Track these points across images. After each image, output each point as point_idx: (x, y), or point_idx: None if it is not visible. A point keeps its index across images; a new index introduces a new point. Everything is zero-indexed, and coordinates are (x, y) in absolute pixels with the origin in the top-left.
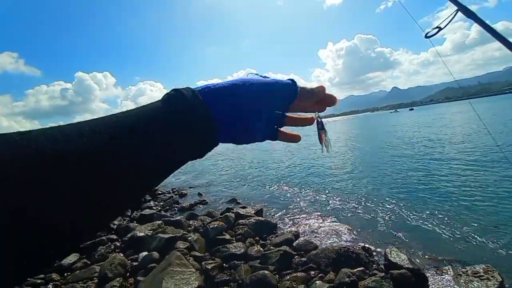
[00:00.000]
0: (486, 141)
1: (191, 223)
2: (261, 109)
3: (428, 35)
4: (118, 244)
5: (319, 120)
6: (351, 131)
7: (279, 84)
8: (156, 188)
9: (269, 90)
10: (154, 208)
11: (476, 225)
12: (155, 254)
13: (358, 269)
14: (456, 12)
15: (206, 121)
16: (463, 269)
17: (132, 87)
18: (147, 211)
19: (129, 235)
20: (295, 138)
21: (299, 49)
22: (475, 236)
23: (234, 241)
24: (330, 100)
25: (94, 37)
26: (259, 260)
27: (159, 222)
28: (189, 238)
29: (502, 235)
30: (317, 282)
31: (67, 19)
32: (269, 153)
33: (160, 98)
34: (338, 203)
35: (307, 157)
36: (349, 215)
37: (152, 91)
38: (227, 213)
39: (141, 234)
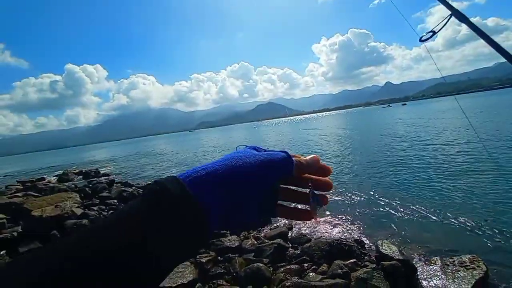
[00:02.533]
0: (473, 135)
1: None
2: (257, 190)
3: (423, 39)
4: None
5: (312, 190)
6: (344, 126)
7: (274, 160)
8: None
9: (264, 170)
10: None
11: (464, 216)
12: None
13: (351, 261)
14: (450, 16)
15: (198, 223)
16: (450, 259)
17: (124, 80)
18: None
19: None
20: (302, 216)
21: (293, 43)
22: (463, 227)
23: (229, 235)
24: (324, 171)
25: (85, 28)
26: (253, 253)
27: None
28: None
29: (488, 226)
30: (311, 274)
31: (56, 9)
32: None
33: (153, 91)
34: (331, 196)
35: (304, 149)
36: (342, 208)
37: (145, 84)
38: None
39: None
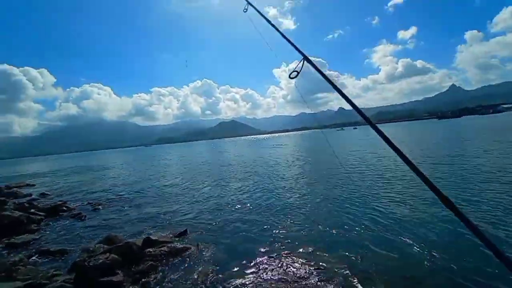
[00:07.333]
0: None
1: (73, 255)
2: None
3: (291, 76)
4: None
5: None
6: (298, 146)
7: None
8: (63, 202)
9: None
10: (32, 233)
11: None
12: None
13: None
14: (303, 60)
15: None
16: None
17: (75, 88)
18: (21, 238)
19: None
20: None
21: (256, 66)
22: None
23: (125, 285)
24: None
25: (32, 27)
26: None
27: (20, 255)
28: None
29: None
30: None
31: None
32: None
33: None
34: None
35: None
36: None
37: (100, 95)
38: (130, 240)
39: None
